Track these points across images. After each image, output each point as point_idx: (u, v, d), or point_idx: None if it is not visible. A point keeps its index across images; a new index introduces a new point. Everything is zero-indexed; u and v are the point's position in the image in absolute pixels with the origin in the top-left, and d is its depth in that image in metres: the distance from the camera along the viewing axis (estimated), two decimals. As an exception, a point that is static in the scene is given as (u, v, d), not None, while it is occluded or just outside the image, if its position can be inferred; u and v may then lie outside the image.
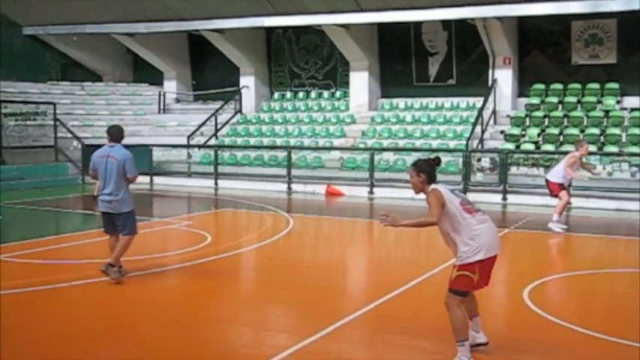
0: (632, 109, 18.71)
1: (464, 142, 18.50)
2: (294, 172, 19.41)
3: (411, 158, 18.65)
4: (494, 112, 20.49)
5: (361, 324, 6.57)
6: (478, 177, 17.46)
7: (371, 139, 20.95)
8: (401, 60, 23.15)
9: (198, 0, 22.11)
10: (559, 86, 20.29)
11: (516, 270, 9.03)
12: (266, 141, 22.40)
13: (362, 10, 20.33)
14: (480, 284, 5.31)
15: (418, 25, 22.21)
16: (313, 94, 24.93)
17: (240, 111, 24.97)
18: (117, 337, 6.28)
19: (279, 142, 22.07)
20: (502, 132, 19.35)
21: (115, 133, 8.08)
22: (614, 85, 19.58)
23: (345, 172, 19.59)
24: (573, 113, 19.02)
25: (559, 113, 19.20)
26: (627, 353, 5.71)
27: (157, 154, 21.69)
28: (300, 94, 25.14)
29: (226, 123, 24.15)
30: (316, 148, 20.93)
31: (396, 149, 19.70)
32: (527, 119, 19.43)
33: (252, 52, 24.96)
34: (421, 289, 7.92)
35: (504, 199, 16.39)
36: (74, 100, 26.00)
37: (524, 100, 20.52)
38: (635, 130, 17.63)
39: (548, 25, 20.62)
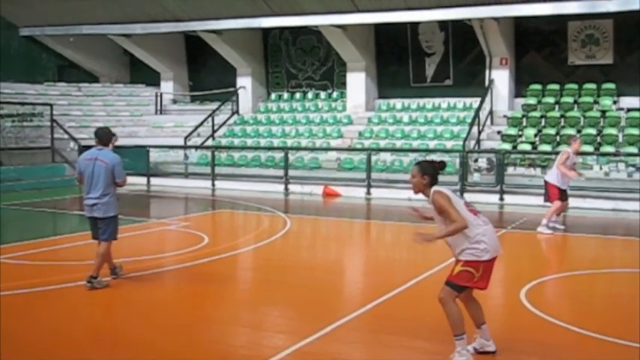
0: (629, 110, 18.78)
1: (461, 143, 18.52)
2: (291, 172, 19.42)
3: (408, 159, 18.72)
4: (491, 112, 20.51)
5: (359, 324, 6.57)
6: (475, 177, 17.50)
7: (368, 139, 20.95)
8: (398, 61, 23.17)
9: (195, 1, 22.12)
10: (556, 87, 20.33)
11: (513, 270, 9.03)
12: (263, 142, 22.39)
13: (359, 11, 20.36)
14: (479, 284, 5.32)
15: (415, 25, 22.23)
16: (310, 95, 24.93)
17: (237, 112, 24.96)
18: (114, 338, 6.27)
19: (276, 142, 22.08)
20: (499, 132, 19.37)
21: (104, 136, 7.90)
22: (611, 86, 19.62)
23: (343, 172, 19.59)
24: (570, 113, 19.06)
25: (556, 113, 19.23)
26: (625, 353, 5.72)
27: (154, 155, 21.68)
28: (297, 95, 25.14)
29: (223, 124, 24.15)
30: (313, 149, 20.93)
31: (393, 150, 19.72)
32: (524, 119, 19.47)
33: (249, 52, 24.95)
34: (419, 289, 7.91)
35: (501, 199, 16.40)
36: (71, 101, 25.99)
37: (520, 101, 20.57)
38: (632, 131, 17.68)
39: (545, 25, 20.65)
